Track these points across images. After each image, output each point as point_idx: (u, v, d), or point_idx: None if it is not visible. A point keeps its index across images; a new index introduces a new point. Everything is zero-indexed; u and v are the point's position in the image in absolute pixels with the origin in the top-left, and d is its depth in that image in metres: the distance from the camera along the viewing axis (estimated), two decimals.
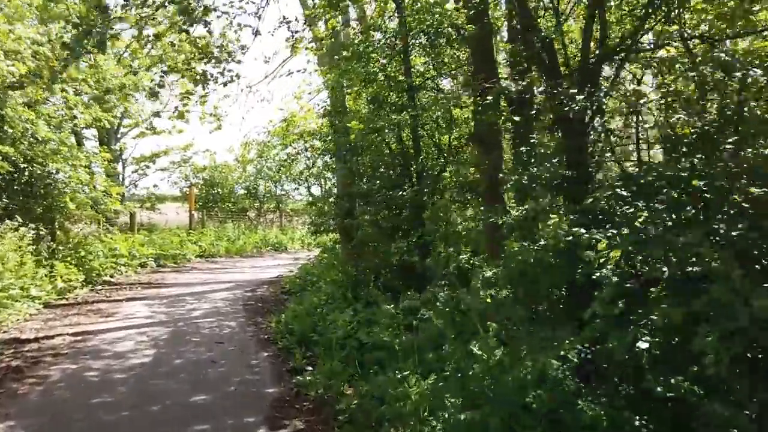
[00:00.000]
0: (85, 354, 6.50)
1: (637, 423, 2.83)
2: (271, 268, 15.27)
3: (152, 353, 6.61)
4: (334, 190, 12.90)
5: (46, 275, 9.87)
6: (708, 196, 3.11)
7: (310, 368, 6.18)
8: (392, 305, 7.83)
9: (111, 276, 12.20)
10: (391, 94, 8.84)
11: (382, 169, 9.23)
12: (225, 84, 6.53)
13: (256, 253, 19.55)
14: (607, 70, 5.12)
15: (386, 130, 9.01)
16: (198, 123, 20.81)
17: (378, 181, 8.13)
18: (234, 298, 10.50)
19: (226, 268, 15.43)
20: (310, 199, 11.49)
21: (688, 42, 4.56)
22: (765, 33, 4.94)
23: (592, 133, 4.84)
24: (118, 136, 18.36)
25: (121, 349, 6.74)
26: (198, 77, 6.20)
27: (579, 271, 3.41)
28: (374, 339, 6.42)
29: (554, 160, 4.91)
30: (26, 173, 10.67)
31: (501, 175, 6.25)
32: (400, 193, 7.67)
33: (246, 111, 28.37)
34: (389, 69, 8.43)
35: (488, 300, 4.85)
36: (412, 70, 8.71)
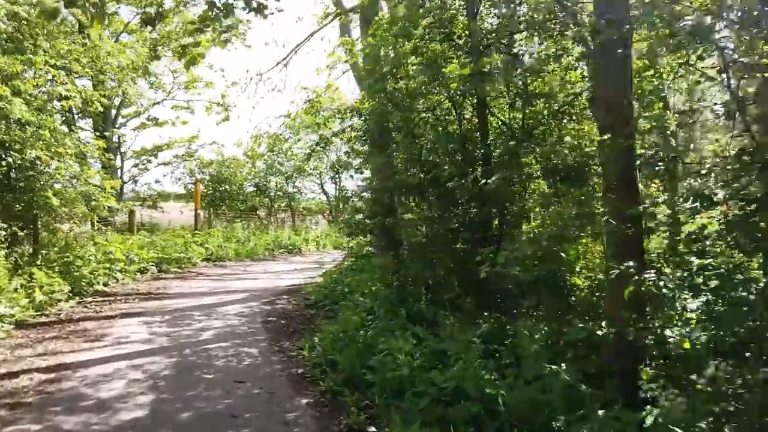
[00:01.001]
0: (57, 403, 4.68)
1: None
2: (287, 274, 13.47)
3: (149, 401, 4.79)
4: (354, 187, 11.14)
5: (22, 286, 8.08)
6: None
7: (373, 429, 4.37)
8: (457, 327, 6.04)
9: (104, 285, 10.38)
10: (451, 59, 7.03)
11: (421, 156, 7.40)
12: (256, 9, 4.62)
13: (268, 255, 17.74)
14: None
15: (442, 105, 7.21)
16: (204, 115, 19.17)
17: (446, 168, 6.28)
18: (250, 313, 8.69)
19: (236, 273, 13.63)
20: (343, 193, 9.55)
21: None
22: None
23: None
24: (117, 126, 16.57)
25: (107, 394, 4.92)
26: None
27: None
28: (458, 383, 4.61)
29: None
30: (4, 163, 8.89)
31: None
32: (479, 183, 5.82)
33: (256, 102, 26.42)
34: (454, 24, 6.61)
35: (685, 346, 3.02)
36: (480, 26, 6.91)
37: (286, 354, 6.44)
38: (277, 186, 21.88)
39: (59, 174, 9.70)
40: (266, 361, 6.14)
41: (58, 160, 9.47)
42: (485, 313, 5.96)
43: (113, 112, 16.48)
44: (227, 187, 20.76)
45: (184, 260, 14.14)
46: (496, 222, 6.65)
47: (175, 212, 19.55)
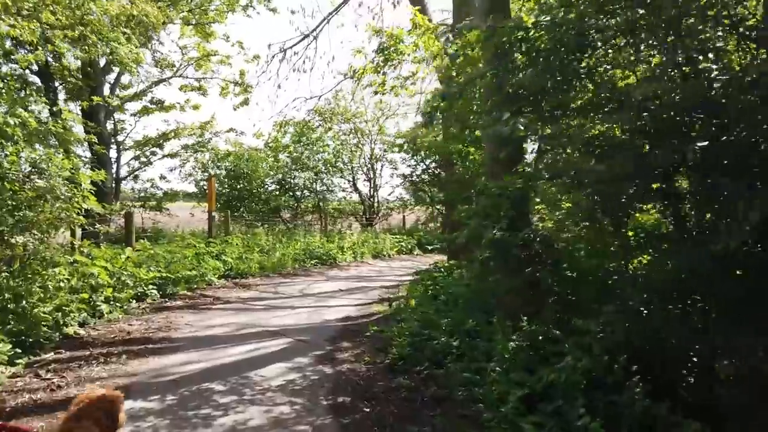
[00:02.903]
0: None
1: None
2: (332, 298, 10.13)
3: None
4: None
5: None
6: None
7: None
8: None
9: (80, 325, 7.10)
10: None
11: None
12: None
13: (299, 268, 14.40)
14: None
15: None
16: (218, 98, 15.93)
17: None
18: (306, 385, 5.32)
19: (265, 298, 10.28)
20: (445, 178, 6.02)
21: None
22: None
23: None
24: (111, 108, 13.25)
25: None
26: None
27: None
28: None
29: None
30: None
31: None
32: None
33: (279, 83, 22.64)
34: None
35: None
36: None
37: None
38: (305, 183, 18.49)
39: (9, 163, 6.41)
40: None
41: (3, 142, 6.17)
42: None
43: (107, 88, 13.20)
44: (246, 184, 17.45)
45: (196, 279, 10.84)
46: None
47: (185, 214, 16.35)
